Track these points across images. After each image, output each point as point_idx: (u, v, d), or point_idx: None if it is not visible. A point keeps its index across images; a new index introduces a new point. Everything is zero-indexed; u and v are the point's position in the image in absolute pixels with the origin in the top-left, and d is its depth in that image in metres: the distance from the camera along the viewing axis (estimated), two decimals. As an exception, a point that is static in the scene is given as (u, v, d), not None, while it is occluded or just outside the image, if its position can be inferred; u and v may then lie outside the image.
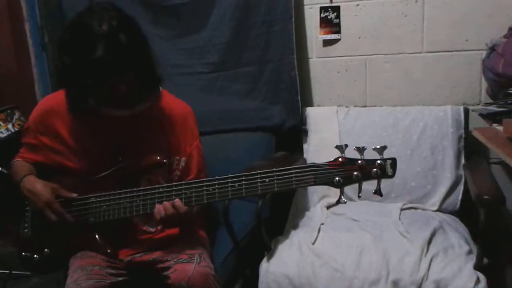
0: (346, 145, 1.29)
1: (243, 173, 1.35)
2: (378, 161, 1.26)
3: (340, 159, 1.28)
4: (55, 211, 1.51)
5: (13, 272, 2.22)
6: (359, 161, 1.27)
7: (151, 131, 1.59)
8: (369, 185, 1.29)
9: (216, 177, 1.39)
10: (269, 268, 1.71)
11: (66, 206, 1.53)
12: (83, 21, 1.35)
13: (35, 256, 1.60)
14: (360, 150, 1.27)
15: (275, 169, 1.32)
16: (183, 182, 1.44)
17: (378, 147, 1.26)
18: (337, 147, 1.29)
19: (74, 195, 1.54)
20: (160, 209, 1.42)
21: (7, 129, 2.35)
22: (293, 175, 1.30)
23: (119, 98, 1.42)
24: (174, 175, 1.61)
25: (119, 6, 1.42)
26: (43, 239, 1.59)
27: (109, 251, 1.55)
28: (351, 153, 1.29)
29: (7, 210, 1.68)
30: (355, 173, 1.26)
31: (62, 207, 1.52)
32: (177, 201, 1.41)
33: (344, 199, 1.29)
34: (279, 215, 2.12)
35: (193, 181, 1.42)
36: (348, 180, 1.27)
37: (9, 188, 1.62)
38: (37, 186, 1.53)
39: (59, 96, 1.54)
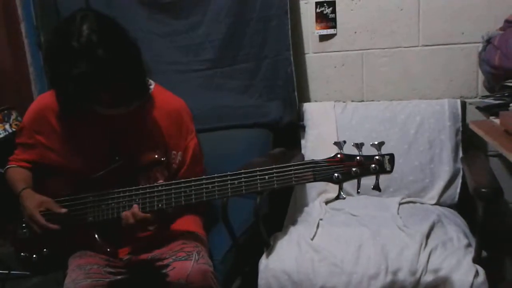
0: (345, 141, 1.30)
1: (242, 171, 1.35)
2: (377, 157, 1.27)
3: (339, 156, 1.29)
4: (36, 223, 1.51)
5: (12, 272, 2.22)
6: (358, 157, 1.28)
7: (147, 128, 1.59)
8: (368, 180, 1.30)
9: (216, 175, 1.39)
10: (268, 265, 1.71)
11: (64, 207, 1.53)
12: (63, 34, 1.35)
13: (33, 256, 1.60)
14: (358, 146, 1.28)
15: (274, 166, 1.32)
16: (182, 180, 1.43)
17: (376, 143, 1.27)
18: (335, 143, 1.30)
19: (64, 210, 1.52)
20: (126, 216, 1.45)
21: (5, 130, 2.35)
22: (293, 172, 1.31)
23: (107, 102, 1.44)
24: (171, 168, 1.62)
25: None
26: (42, 239, 1.58)
27: (108, 250, 1.55)
28: (349, 149, 1.29)
29: (5, 210, 1.68)
30: (354, 169, 1.27)
31: (60, 207, 1.52)
32: (135, 207, 1.44)
33: (343, 195, 1.30)
34: (277, 211, 2.12)
35: (193, 179, 1.42)
36: (347, 176, 1.28)
37: (7, 189, 1.62)
38: (27, 201, 1.55)
39: (54, 95, 1.51)
